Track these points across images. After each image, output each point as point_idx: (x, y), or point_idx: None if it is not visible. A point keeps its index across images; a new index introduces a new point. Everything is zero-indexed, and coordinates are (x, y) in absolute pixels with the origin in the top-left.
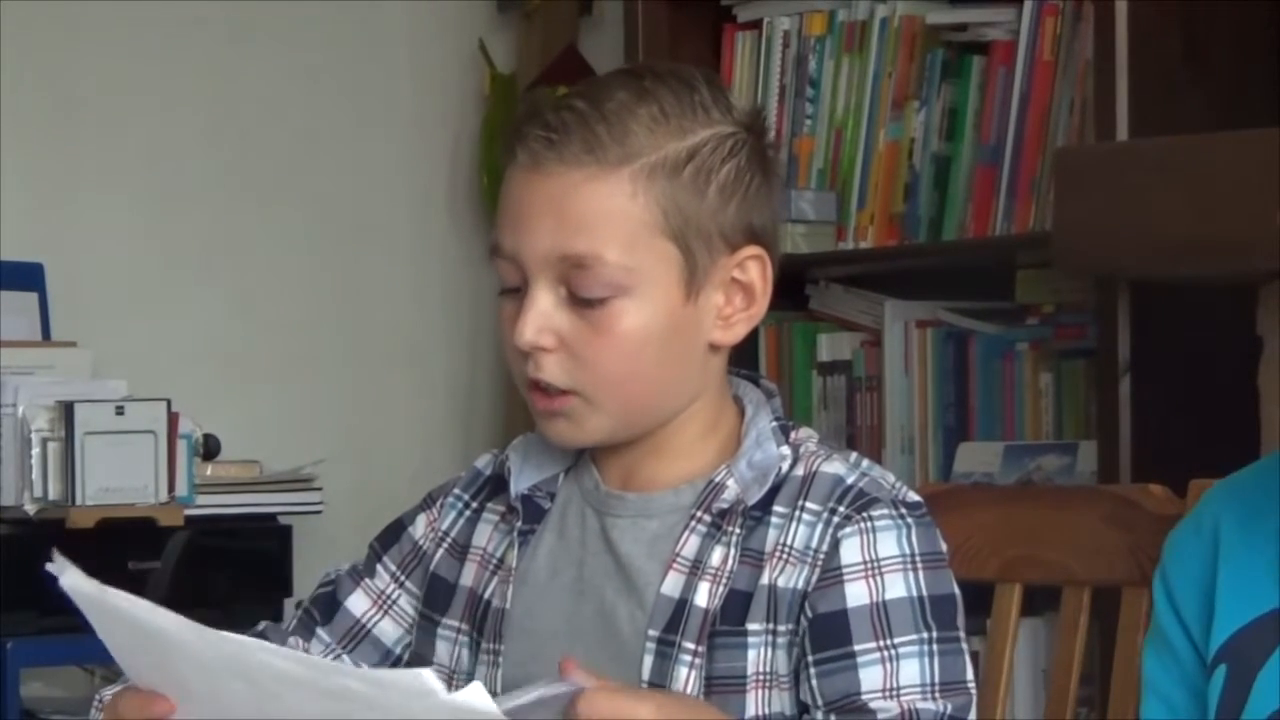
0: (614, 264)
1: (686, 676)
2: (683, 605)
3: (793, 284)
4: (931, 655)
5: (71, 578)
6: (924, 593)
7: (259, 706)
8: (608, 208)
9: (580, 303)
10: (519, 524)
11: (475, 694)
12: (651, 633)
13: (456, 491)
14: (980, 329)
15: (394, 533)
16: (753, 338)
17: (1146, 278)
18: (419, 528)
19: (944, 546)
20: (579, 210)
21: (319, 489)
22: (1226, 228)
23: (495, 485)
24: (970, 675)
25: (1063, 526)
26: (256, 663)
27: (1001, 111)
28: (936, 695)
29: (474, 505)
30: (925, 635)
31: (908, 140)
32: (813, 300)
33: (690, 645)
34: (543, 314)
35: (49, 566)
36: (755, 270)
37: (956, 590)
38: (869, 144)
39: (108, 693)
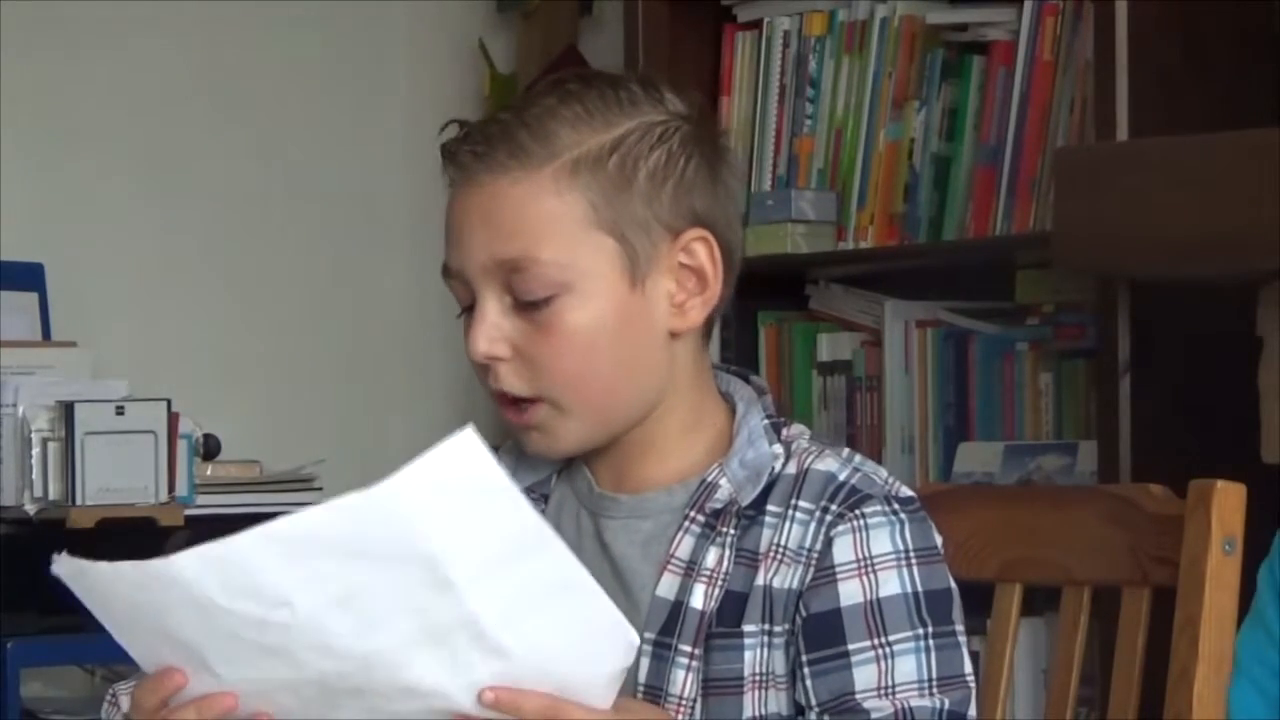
0: (549, 262)
1: (683, 679)
2: (678, 607)
3: (793, 284)
4: (927, 651)
5: (61, 565)
6: (918, 588)
7: (265, 624)
8: (534, 208)
9: (525, 307)
10: None
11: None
12: (648, 635)
13: None
14: (980, 329)
15: None
16: (753, 337)
17: (1146, 278)
18: None
19: (938, 540)
20: (507, 215)
21: (319, 489)
22: (1226, 228)
23: None
24: (969, 669)
25: (1063, 526)
26: (253, 564)
27: (1001, 111)
28: (933, 691)
29: None
30: (921, 631)
31: (908, 140)
32: (813, 300)
33: (686, 648)
34: (492, 324)
35: (53, 567)
36: (703, 252)
37: (953, 584)
38: (869, 144)
39: (121, 688)
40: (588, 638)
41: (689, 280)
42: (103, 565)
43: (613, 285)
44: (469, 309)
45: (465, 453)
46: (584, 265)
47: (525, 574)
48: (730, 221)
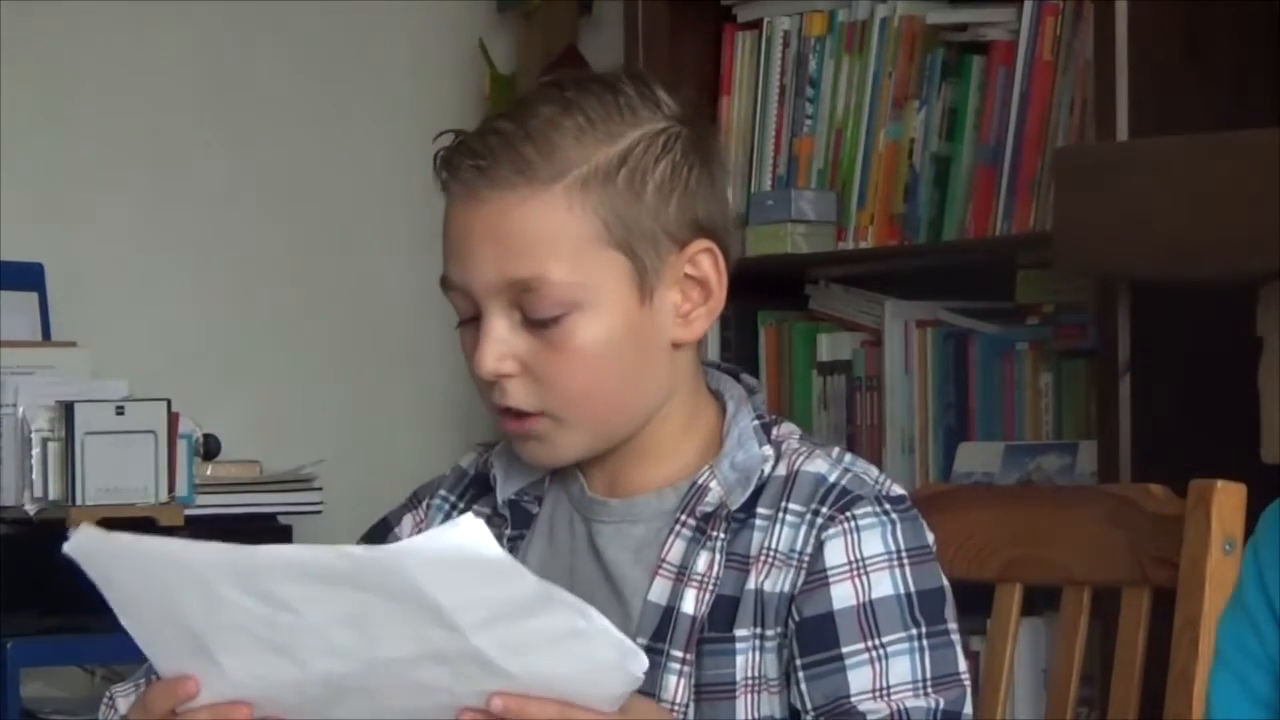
0: (561, 282)
1: (675, 685)
2: (670, 613)
3: (793, 284)
4: (921, 651)
5: (79, 538)
6: (911, 589)
7: (272, 622)
8: (545, 227)
9: (535, 324)
10: (508, 530)
11: (472, 530)
12: (640, 641)
13: (442, 493)
14: (980, 329)
15: (380, 534)
16: (753, 337)
17: (1146, 278)
18: (405, 529)
19: (930, 539)
20: (517, 233)
21: (319, 489)
22: (1226, 228)
23: (481, 485)
24: (963, 667)
25: (1063, 526)
26: (265, 572)
27: (1001, 111)
28: (928, 691)
29: (460, 507)
30: (914, 632)
31: (908, 140)
32: (813, 300)
33: (678, 653)
34: (500, 341)
35: (68, 544)
36: (707, 263)
37: (945, 582)
38: (869, 144)
39: (119, 690)
40: (595, 670)
41: (694, 291)
42: (123, 535)
43: (623, 301)
44: (470, 320)
45: (468, 536)
46: (595, 283)
47: (532, 626)
48: (727, 224)
